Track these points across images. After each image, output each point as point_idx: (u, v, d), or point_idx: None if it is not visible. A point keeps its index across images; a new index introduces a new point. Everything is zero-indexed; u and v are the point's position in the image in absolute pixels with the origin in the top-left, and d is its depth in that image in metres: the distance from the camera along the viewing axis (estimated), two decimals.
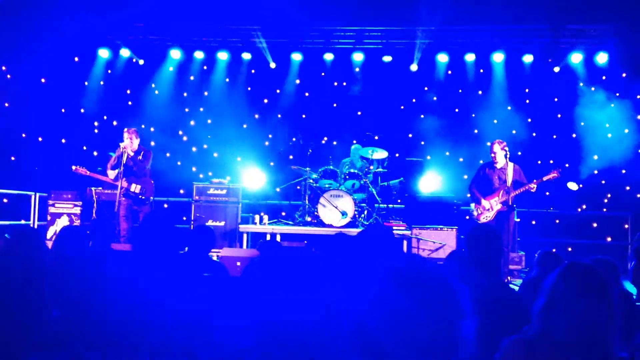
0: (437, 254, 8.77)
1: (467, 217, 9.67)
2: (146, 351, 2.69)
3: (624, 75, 10.57)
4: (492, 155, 7.99)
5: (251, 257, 6.49)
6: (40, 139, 10.47)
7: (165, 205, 11.02)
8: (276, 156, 11.31)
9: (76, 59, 11.27)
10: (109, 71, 11.67)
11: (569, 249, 10.03)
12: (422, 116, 11.53)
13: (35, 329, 3.19)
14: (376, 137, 10.75)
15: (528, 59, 10.96)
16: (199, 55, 11.62)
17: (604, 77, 10.69)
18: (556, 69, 10.98)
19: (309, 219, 9.74)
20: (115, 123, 11.43)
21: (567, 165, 10.37)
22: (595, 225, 10.51)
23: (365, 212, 9.75)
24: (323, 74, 11.72)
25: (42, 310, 3.31)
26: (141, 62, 11.75)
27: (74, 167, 8.45)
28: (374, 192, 9.95)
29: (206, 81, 11.92)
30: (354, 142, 10.65)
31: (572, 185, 9.38)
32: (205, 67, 11.90)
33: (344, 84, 11.84)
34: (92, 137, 11.35)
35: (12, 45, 9.49)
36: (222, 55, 11.62)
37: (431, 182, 10.22)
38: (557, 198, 10.50)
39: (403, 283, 1.20)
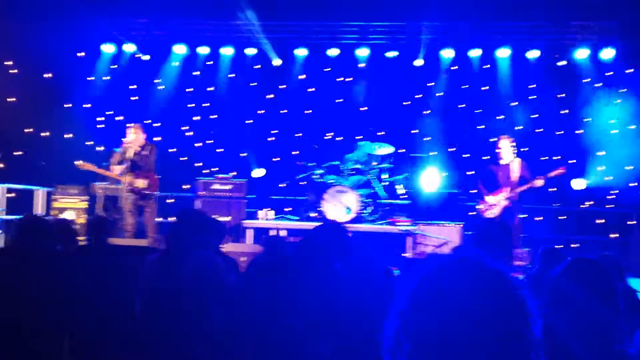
0: (441, 249, 8.76)
1: (473, 213, 9.66)
2: None
3: (630, 71, 10.50)
4: (498, 150, 7.95)
5: (255, 252, 6.50)
6: (45, 133, 10.50)
7: (170, 201, 11.03)
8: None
9: (81, 54, 11.28)
10: (114, 66, 11.68)
11: (574, 246, 9.99)
12: (427, 112, 11.50)
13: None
14: (380, 133, 10.73)
15: (533, 54, 10.92)
16: (203, 50, 11.61)
17: (609, 73, 10.63)
18: (561, 63, 10.92)
19: (313, 214, 9.74)
20: (120, 118, 11.45)
21: (573, 161, 10.33)
22: (600, 221, 10.47)
23: (370, 207, 9.75)
24: (328, 69, 11.70)
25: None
26: (145, 57, 11.75)
27: (78, 163, 8.44)
28: (378, 188, 9.93)
29: (210, 77, 11.91)
30: (359, 137, 10.63)
31: (578, 184, 9.31)
32: (209, 63, 11.90)
33: (349, 79, 11.82)
34: (96, 132, 11.36)
35: (17, 41, 9.51)
36: (227, 51, 11.62)
37: (433, 181, 10.18)
38: (562, 194, 10.46)
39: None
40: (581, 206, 10.56)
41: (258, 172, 11.04)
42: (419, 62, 11.19)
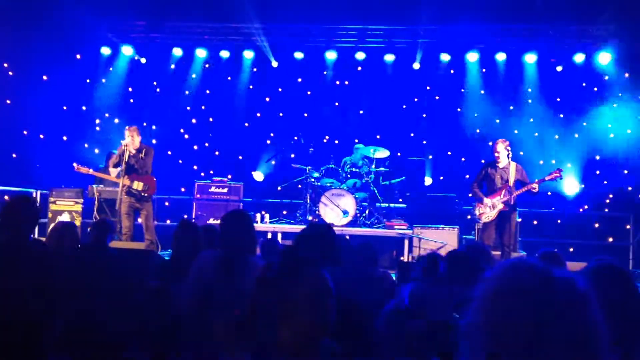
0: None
1: (469, 217, 9.66)
2: None
3: (626, 75, 10.53)
4: (496, 154, 7.93)
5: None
6: (41, 136, 10.46)
7: (167, 204, 11.00)
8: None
9: (78, 56, 11.24)
10: (111, 69, 11.64)
11: (571, 250, 10.00)
12: (424, 115, 11.52)
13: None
14: (378, 137, 10.72)
15: (530, 58, 10.94)
16: (200, 53, 11.59)
17: (606, 77, 10.66)
18: (559, 68, 10.95)
19: (310, 217, 9.72)
20: (116, 121, 11.41)
21: (569, 165, 10.36)
22: (597, 225, 10.48)
23: (367, 211, 9.74)
24: (325, 72, 11.71)
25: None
26: (143, 60, 11.72)
27: (75, 166, 8.41)
28: (375, 191, 9.93)
29: (208, 79, 11.89)
30: (356, 141, 10.62)
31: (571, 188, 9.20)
32: (207, 65, 11.88)
33: (346, 82, 11.82)
34: (93, 134, 11.33)
35: (14, 42, 9.47)
36: (224, 54, 11.60)
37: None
38: (558, 198, 10.48)
39: None
40: (580, 210, 10.59)
41: (258, 175, 11.04)
42: (416, 66, 11.19)
